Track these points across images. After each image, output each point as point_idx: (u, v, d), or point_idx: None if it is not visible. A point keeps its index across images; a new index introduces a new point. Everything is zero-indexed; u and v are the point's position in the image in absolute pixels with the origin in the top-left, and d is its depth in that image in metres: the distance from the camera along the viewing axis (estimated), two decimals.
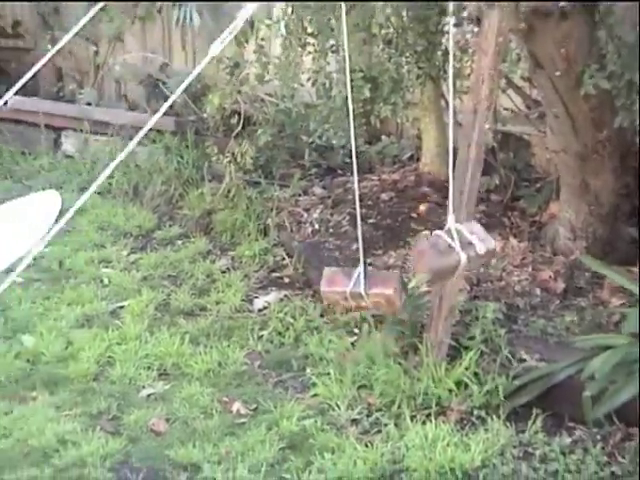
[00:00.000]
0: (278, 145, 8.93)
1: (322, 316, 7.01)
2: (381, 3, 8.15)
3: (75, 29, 4.10)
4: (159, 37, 10.93)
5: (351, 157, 4.95)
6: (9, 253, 4.84)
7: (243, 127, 8.98)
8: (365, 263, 4.66)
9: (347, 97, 5.28)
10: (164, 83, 10.42)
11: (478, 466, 5.50)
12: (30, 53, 11.48)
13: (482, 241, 4.39)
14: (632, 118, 6.20)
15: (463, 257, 4.30)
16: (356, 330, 6.76)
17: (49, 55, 4.22)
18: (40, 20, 11.29)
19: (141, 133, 2.96)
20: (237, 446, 5.84)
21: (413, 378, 6.11)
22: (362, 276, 4.45)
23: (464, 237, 4.37)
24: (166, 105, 3.09)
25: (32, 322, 7.25)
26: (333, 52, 8.06)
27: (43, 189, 5.45)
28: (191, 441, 5.92)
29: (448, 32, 6.02)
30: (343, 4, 5.01)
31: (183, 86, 3.01)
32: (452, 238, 4.34)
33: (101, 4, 5.09)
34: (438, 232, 4.38)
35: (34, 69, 3.85)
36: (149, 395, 6.46)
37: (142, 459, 5.81)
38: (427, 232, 5.24)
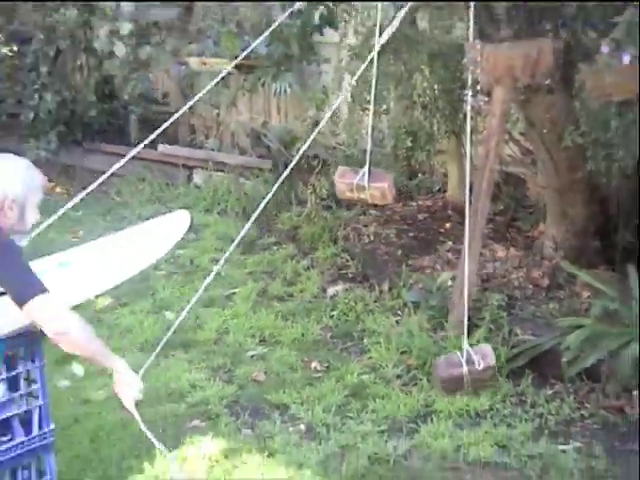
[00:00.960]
0: None
1: (375, 302, 7.05)
2: (419, 81, 8.21)
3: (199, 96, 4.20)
4: (262, 103, 10.91)
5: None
6: (154, 252, 4.93)
7: (321, 167, 9.02)
8: (370, 163, 4.74)
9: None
10: (265, 135, 10.47)
11: (486, 409, 5.58)
12: (172, 114, 11.53)
13: (484, 359, 4.49)
14: (598, 165, 6.23)
15: (465, 369, 4.42)
16: (399, 312, 6.79)
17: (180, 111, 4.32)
18: (180, 92, 11.30)
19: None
20: (314, 393, 5.91)
21: (440, 346, 6.17)
22: (367, 173, 4.54)
23: (471, 356, 4.48)
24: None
25: (172, 302, 7.32)
26: (384, 114, 8.12)
27: (179, 209, 5.52)
28: (282, 388, 6.00)
29: (467, 101, 6.02)
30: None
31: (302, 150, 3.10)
32: (462, 356, 4.47)
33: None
34: (454, 352, 4.54)
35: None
36: (252, 356, 6.51)
37: (248, 400, 5.90)
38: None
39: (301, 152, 5.07)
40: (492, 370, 4.68)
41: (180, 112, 5.62)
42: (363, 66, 5.18)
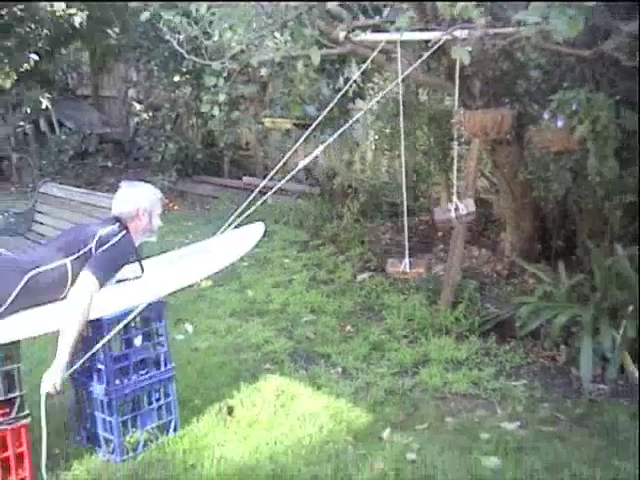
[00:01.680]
0: (369, 202, 8.96)
1: (390, 285, 7.06)
2: (421, 135, 8.24)
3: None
4: (312, 148, 10.91)
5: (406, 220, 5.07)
6: (241, 250, 4.98)
7: (353, 193, 9.06)
8: (409, 256, 4.79)
9: (403, 178, 5.35)
10: (314, 171, 10.51)
11: (464, 358, 5.63)
12: (253, 158, 11.59)
13: (466, 207, 4.58)
14: (540, 194, 6.28)
15: (452, 214, 4.49)
16: (406, 292, 6.80)
17: None
18: (258, 142, 11.37)
19: None
20: (348, 347, 5.95)
21: (434, 316, 6.19)
22: (407, 263, 4.58)
23: (459, 207, 4.58)
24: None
25: (251, 284, 7.38)
26: (398, 157, 8.16)
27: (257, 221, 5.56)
28: (325, 344, 6.03)
29: (454, 148, 6.07)
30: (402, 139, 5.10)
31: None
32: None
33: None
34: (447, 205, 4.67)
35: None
36: (305, 321, 6.54)
37: (302, 351, 5.96)
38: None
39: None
40: (472, 214, 4.84)
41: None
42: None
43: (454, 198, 4.80)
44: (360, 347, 5.92)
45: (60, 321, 4.15)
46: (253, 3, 5.72)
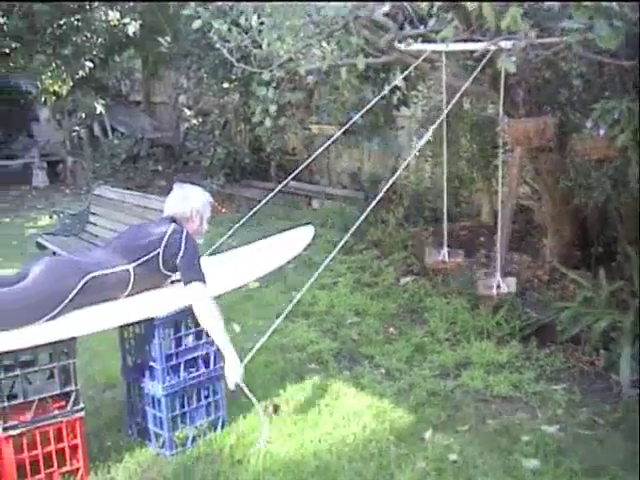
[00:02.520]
0: (412, 207, 8.95)
1: (432, 288, 7.05)
2: (464, 143, 8.22)
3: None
4: (358, 154, 10.97)
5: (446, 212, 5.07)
6: (290, 252, 5.02)
7: (397, 198, 9.06)
8: (447, 246, 4.80)
9: (444, 184, 5.35)
10: (359, 176, 10.54)
11: (505, 362, 5.58)
12: (299, 162, 11.63)
13: (508, 287, 4.64)
14: (580, 201, 6.24)
15: (494, 291, 4.82)
16: (448, 296, 6.78)
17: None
18: (304, 147, 11.40)
19: None
20: (391, 348, 5.95)
21: (476, 320, 6.17)
22: (446, 253, 4.59)
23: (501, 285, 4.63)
24: None
25: (297, 285, 7.37)
26: (441, 163, 8.13)
27: (305, 225, 5.59)
28: (369, 345, 6.05)
29: (498, 156, 6.06)
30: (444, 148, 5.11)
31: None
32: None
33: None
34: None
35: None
36: (350, 322, 6.55)
37: (347, 352, 5.98)
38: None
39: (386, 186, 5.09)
40: (511, 294, 4.99)
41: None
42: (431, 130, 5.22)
43: (497, 274, 4.82)
44: (403, 349, 5.91)
45: (117, 319, 4.23)
46: (301, 12, 5.75)
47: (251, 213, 5.49)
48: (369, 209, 5.03)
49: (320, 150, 5.96)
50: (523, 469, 4.22)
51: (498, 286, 4.80)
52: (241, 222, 5.47)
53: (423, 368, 5.58)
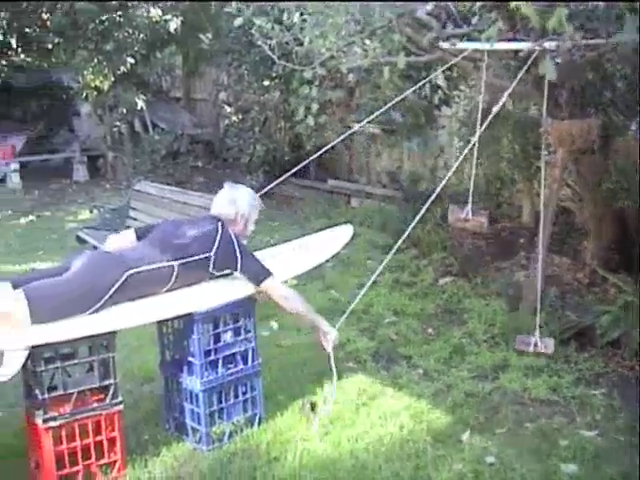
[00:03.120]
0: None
1: (471, 290, 7.04)
2: (505, 143, 8.17)
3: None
4: (397, 154, 10.95)
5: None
6: (329, 251, 5.03)
7: (437, 198, 9.01)
8: (473, 203, 4.78)
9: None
10: (399, 175, 10.52)
11: (544, 365, 5.56)
12: (338, 161, 11.65)
13: (546, 347, 4.72)
14: (622, 203, 6.19)
15: (531, 349, 4.83)
16: (487, 298, 6.75)
17: None
18: (344, 145, 11.39)
19: None
20: (429, 349, 5.96)
21: (514, 322, 6.13)
22: (469, 210, 4.58)
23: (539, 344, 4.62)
24: None
25: (335, 284, 7.44)
26: (481, 165, 8.11)
27: (343, 224, 5.59)
28: (407, 345, 6.05)
29: (541, 157, 6.04)
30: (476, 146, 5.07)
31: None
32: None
33: None
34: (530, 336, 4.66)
35: None
36: (388, 322, 6.54)
37: (384, 352, 5.98)
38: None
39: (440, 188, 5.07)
40: (548, 354, 4.97)
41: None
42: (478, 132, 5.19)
43: (537, 333, 4.81)
44: (441, 350, 5.90)
45: (157, 313, 4.27)
46: (344, 10, 5.76)
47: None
48: (421, 211, 4.99)
49: (335, 142, 5.95)
50: (561, 474, 4.19)
51: (535, 344, 4.80)
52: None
53: (461, 369, 5.57)
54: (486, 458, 4.34)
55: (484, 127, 5.02)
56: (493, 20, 5.54)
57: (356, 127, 6.66)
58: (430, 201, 5.07)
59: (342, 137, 5.98)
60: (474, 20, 5.87)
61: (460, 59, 5.33)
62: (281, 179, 5.86)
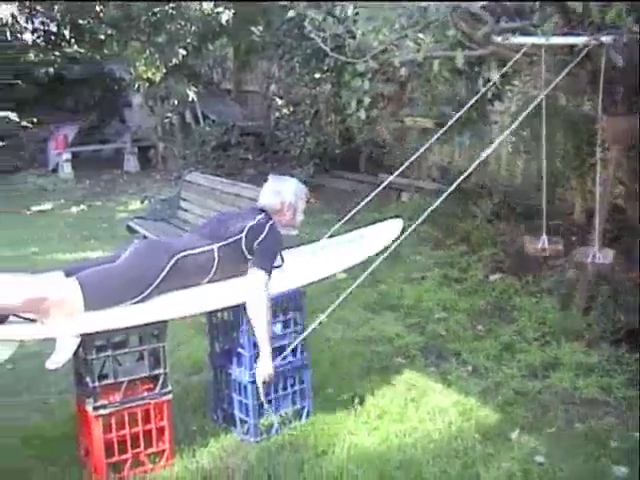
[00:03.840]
0: (503, 203, 8.84)
1: (522, 287, 6.96)
2: (559, 140, 8.09)
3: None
4: (449, 149, 10.88)
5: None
6: (380, 244, 5.02)
7: (488, 194, 8.98)
8: (547, 234, 4.75)
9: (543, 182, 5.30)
10: (449, 170, 10.47)
11: (595, 364, 5.48)
12: (389, 155, 11.63)
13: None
14: None
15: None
16: (538, 295, 6.69)
17: None
18: (394, 139, 11.37)
19: None
20: (478, 346, 5.92)
21: (566, 320, 6.08)
22: (545, 239, 4.52)
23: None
24: None
25: (384, 278, 7.42)
26: (533, 159, 8.04)
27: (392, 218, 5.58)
28: (456, 341, 6.03)
29: (594, 154, 5.98)
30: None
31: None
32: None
33: None
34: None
35: None
36: (437, 318, 6.50)
37: (433, 347, 5.95)
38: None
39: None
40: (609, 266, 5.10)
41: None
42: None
43: (596, 245, 4.73)
44: (491, 347, 5.86)
45: (206, 304, 4.30)
46: (398, 3, 5.74)
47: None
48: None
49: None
50: (611, 475, 4.14)
51: (594, 255, 4.73)
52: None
53: (510, 367, 5.51)
54: (535, 457, 4.30)
55: (518, 122, 4.98)
56: (548, 14, 5.49)
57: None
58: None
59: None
60: (529, 14, 5.82)
61: (516, 54, 5.29)
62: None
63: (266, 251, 4.44)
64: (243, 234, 4.43)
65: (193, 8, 12.34)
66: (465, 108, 5.57)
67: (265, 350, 4.30)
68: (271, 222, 4.54)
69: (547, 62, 5.55)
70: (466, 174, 4.96)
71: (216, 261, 4.36)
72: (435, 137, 5.89)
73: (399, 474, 4.13)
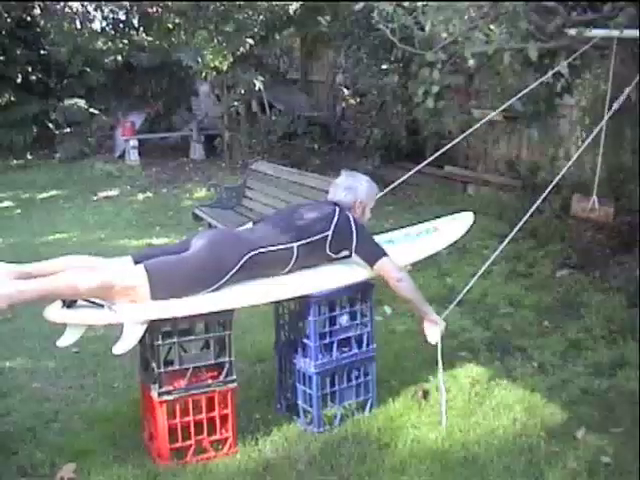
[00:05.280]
0: (571, 197, 8.72)
1: (590, 284, 6.87)
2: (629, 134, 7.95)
3: None
4: (516, 141, 10.75)
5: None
6: (450, 238, 4.99)
7: (555, 188, 8.85)
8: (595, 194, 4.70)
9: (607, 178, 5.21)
10: (517, 164, 10.35)
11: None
12: (455, 147, 11.54)
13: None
14: None
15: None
16: (606, 292, 6.60)
17: None
18: (461, 131, 11.26)
19: None
20: (545, 342, 5.87)
21: (636, 319, 5.96)
22: (596, 200, 4.47)
23: None
24: None
25: (450, 272, 7.45)
26: (603, 154, 7.88)
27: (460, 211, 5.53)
28: (522, 337, 5.96)
29: None
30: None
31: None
32: None
33: None
34: None
35: None
36: (503, 313, 6.46)
37: (499, 342, 5.88)
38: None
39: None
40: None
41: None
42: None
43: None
44: (557, 344, 5.78)
45: (274, 294, 4.34)
46: None
47: None
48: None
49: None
50: None
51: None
52: None
53: (577, 365, 5.44)
54: (601, 458, 4.22)
55: (607, 117, 4.88)
56: (622, 6, 5.39)
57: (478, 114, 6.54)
58: (549, 190, 4.94)
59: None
60: (601, 6, 5.72)
61: (587, 47, 5.21)
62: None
63: (369, 243, 4.49)
64: (329, 232, 4.41)
65: None
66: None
67: (432, 317, 4.61)
68: (349, 215, 4.52)
69: (620, 55, 5.45)
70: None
71: (294, 259, 4.36)
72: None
73: (462, 470, 4.10)
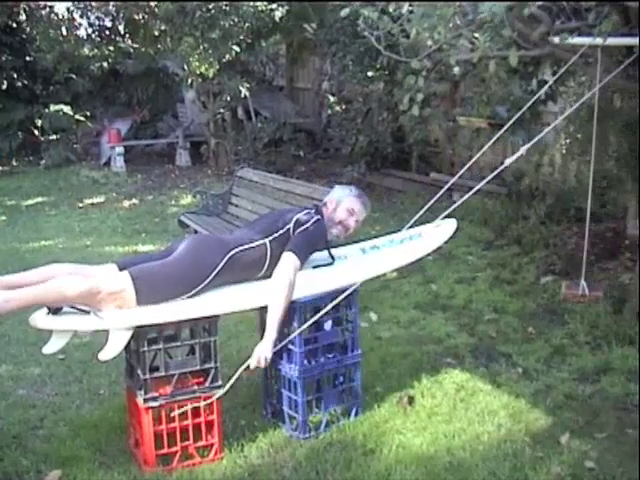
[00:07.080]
0: (556, 205, 8.78)
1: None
2: (613, 141, 7.99)
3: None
4: (501, 148, 10.77)
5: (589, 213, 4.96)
6: (432, 245, 5.01)
7: (540, 195, 8.92)
8: (584, 278, 4.71)
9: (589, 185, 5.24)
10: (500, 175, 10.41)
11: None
12: (441, 155, 11.56)
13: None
14: None
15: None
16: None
17: None
18: (447, 139, 11.33)
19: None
20: (529, 348, 5.88)
21: (618, 325, 6.00)
22: (585, 286, 4.47)
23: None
24: None
25: (435, 278, 7.43)
26: (587, 162, 7.93)
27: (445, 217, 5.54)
28: (507, 343, 5.97)
29: None
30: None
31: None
32: None
33: None
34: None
35: None
36: (488, 319, 6.46)
37: (484, 349, 5.89)
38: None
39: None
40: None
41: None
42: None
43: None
44: (541, 349, 5.80)
45: (258, 300, 4.34)
46: (455, 4, 5.70)
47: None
48: None
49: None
50: None
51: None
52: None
53: (561, 370, 5.46)
54: (585, 463, 4.23)
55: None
56: (606, 14, 5.42)
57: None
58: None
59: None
60: (586, 14, 5.75)
61: (571, 54, 5.23)
62: None
63: (304, 239, 4.51)
64: (291, 225, 4.52)
65: (247, 4, 12.36)
66: (524, 109, 5.46)
67: (271, 334, 4.25)
68: (317, 218, 4.61)
69: (604, 63, 5.49)
70: None
71: (269, 255, 4.42)
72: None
73: (447, 475, 4.11)
